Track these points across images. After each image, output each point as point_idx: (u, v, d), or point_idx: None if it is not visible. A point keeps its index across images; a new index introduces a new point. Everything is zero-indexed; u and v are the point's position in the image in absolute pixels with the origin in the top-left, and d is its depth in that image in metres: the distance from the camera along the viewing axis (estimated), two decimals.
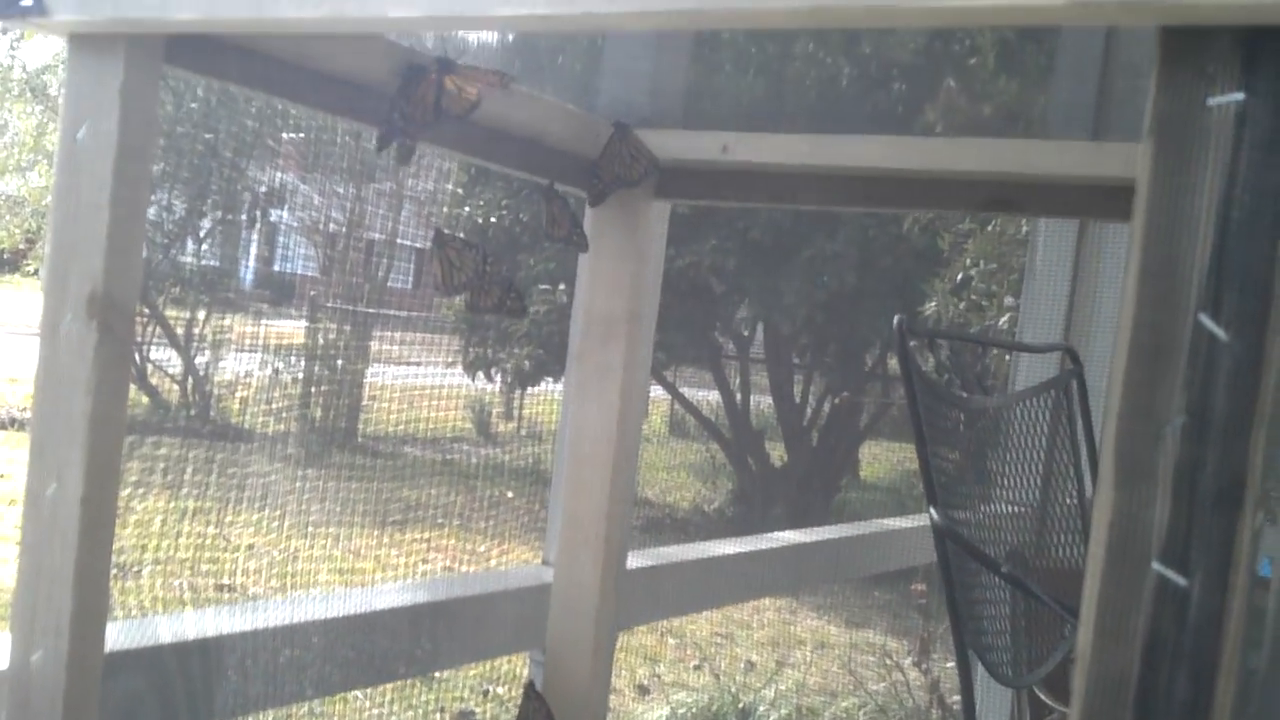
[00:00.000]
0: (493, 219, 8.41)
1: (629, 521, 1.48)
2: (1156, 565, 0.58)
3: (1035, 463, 2.44)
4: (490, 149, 1.28)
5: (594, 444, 1.38)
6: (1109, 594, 0.60)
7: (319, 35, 0.95)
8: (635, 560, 1.69)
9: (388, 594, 1.45)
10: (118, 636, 1.09)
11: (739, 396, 9.81)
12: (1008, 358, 3.54)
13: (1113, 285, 3.26)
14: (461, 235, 1.21)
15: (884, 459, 12.83)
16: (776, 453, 9.93)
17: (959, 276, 3.99)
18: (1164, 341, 0.61)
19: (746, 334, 9.88)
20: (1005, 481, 2.35)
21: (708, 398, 10.51)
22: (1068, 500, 2.51)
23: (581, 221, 1.40)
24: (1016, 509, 2.35)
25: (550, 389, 9.15)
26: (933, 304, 4.02)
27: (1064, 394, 2.50)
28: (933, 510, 1.88)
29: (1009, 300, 4.03)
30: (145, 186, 0.89)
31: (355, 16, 0.75)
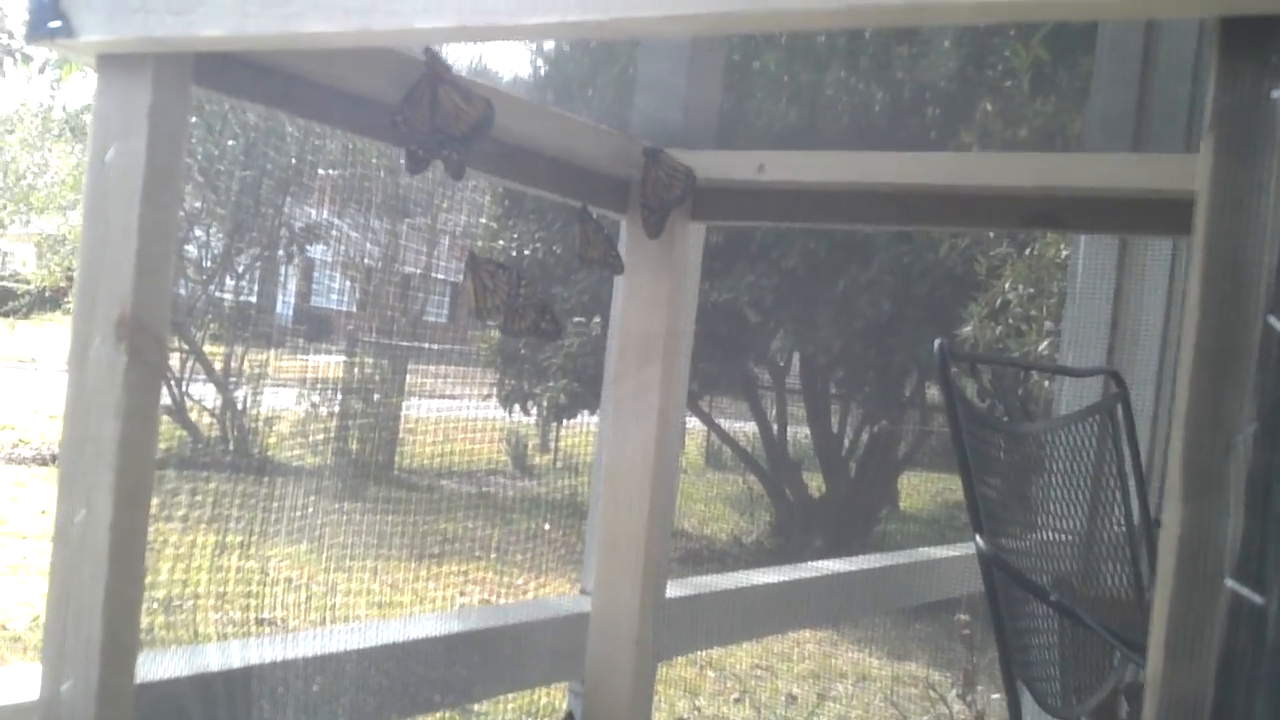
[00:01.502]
0: (526, 251, 8.44)
1: (668, 545, 1.45)
2: (1230, 582, 0.55)
3: (1081, 489, 2.39)
4: (521, 170, 1.26)
5: (631, 466, 1.36)
6: (1179, 614, 0.56)
7: (347, 51, 0.94)
8: (674, 590, 1.66)
9: (424, 623, 1.42)
10: (153, 667, 1.08)
11: (775, 427, 9.75)
12: (1047, 383, 3.49)
13: (1155, 308, 3.21)
14: (496, 258, 1.19)
15: (924, 489, 12.72)
16: (814, 483, 9.86)
17: (997, 301, 3.95)
18: (1231, 346, 0.58)
19: (782, 364, 9.83)
20: (1050, 508, 2.30)
21: (744, 429, 10.46)
22: (1115, 527, 2.46)
23: (616, 244, 1.38)
24: (1062, 536, 2.30)
25: (586, 421, 9.13)
26: (970, 329, 3.98)
27: (1109, 418, 2.45)
28: (978, 538, 1.84)
29: (1048, 325, 3.98)
30: (174, 208, 0.88)
31: (384, 30, 0.74)
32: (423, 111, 1.01)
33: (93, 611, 0.87)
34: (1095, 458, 2.44)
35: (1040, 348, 3.95)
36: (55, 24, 0.86)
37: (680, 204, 1.35)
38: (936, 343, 1.93)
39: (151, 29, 0.83)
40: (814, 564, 2.10)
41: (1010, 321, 3.79)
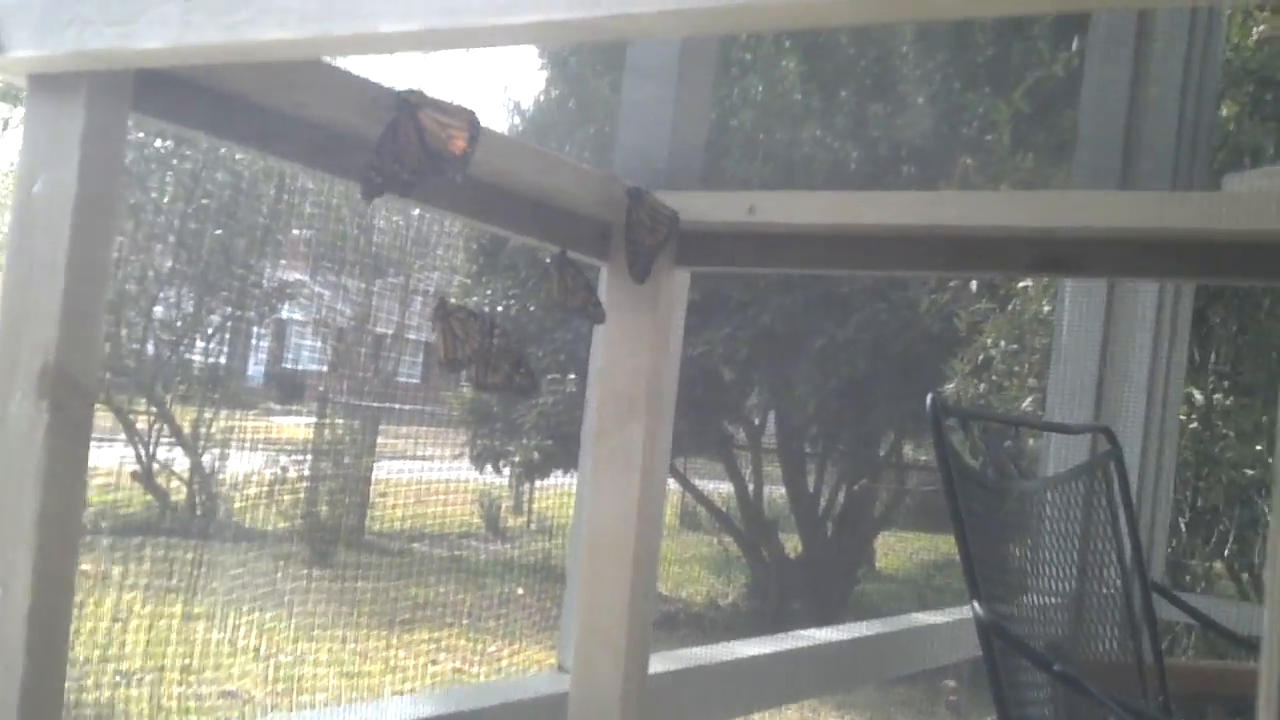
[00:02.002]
0: (500, 307, 8.37)
1: (650, 621, 1.35)
2: None
3: (1073, 550, 2.31)
4: (497, 211, 1.17)
5: (613, 534, 1.26)
6: None
7: (308, 72, 0.85)
8: (657, 664, 1.55)
9: (395, 707, 1.31)
10: None
11: (751, 487, 9.66)
12: (1032, 440, 3.41)
13: (1141, 361, 3.15)
14: (465, 306, 1.09)
15: (899, 549, 12.62)
16: (791, 544, 9.76)
17: (979, 358, 3.89)
18: None
19: (758, 422, 9.76)
20: (1043, 570, 2.22)
21: (719, 488, 10.35)
22: (1105, 589, 2.39)
23: (597, 291, 1.29)
24: (1054, 599, 2.22)
25: (560, 481, 9.02)
26: (953, 385, 3.91)
27: (1102, 476, 2.38)
28: (976, 605, 1.76)
29: (1031, 381, 3.92)
30: (107, 246, 0.79)
31: (344, 36, 0.65)
32: (411, 146, 0.92)
33: (6, 715, 0.75)
34: (1087, 517, 2.36)
35: (1024, 404, 3.89)
36: None
37: (663, 248, 1.27)
38: (929, 398, 1.85)
39: (86, 42, 0.74)
40: (803, 633, 2.00)
41: (993, 378, 3.73)
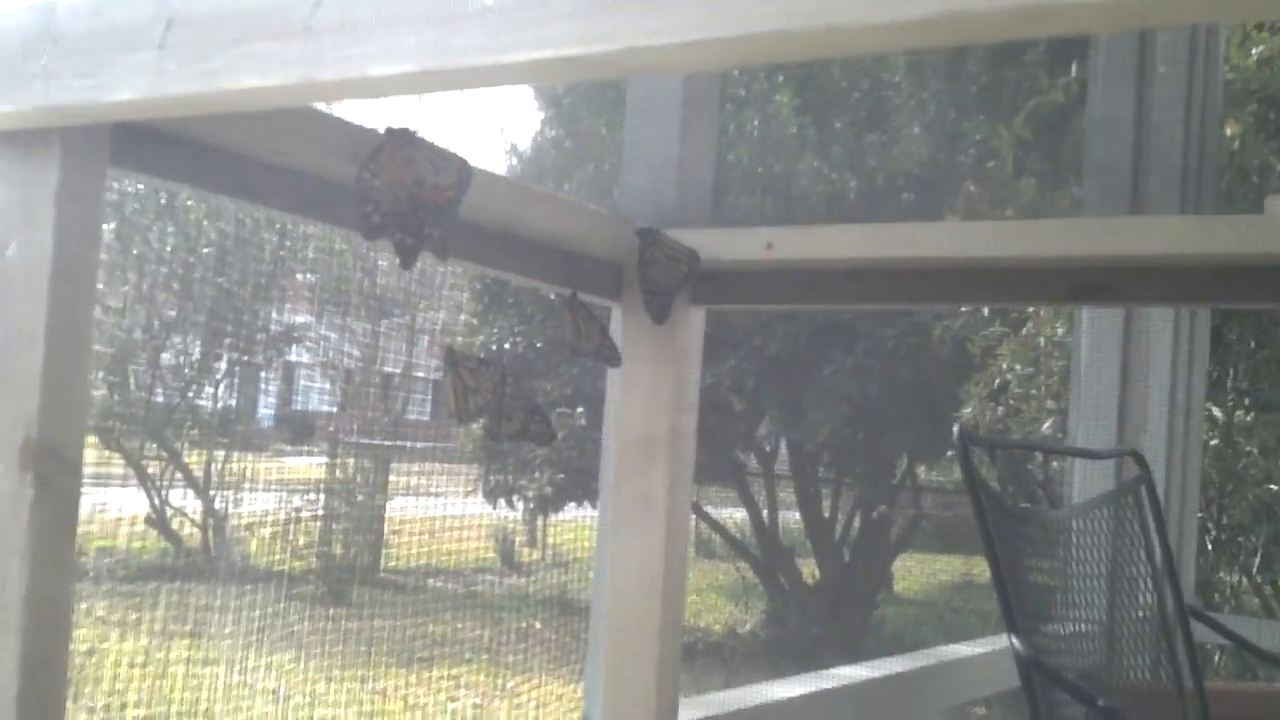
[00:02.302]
0: (506, 345, 8.35)
1: (679, 674, 1.29)
2: None
3: (1103, 576, 2.26)
4: (504, 257, 1.13)
5: (639, 583, 1.20)
6: None
7: (293, 119, 0.80)
8: (686, 712, 1.49)
9: None
10: None
11: (766, 513, 9.59)
12: (1054, 463, 3.36)
13: (1160, 384, 3.11)
14: (479, 353, 1.04)
15: (917, 572, 12.52)
16: (808, 570, 9.68)
17: (995, 382, 3.83)
18: None
19: (769, 450, 9.70)
20: (1076, 599, 2.17)
21: (733, 515, 10.27)
22: (1140, 615, 2.33)
23: (609, 332, 1.24)
24: (1087, 627, 2.16)
25: (574, 514, 8.96)
26: (970, 410, 3.85)
27: (1134, 501, 2.32)
28: (1014, 640, 1.70)
29: (1050, 404, 3.87)
30: (87, 310, 0.74)
31: (331, 80, 0.60)
32: (398, 183, 0.87)
33: None
34: (1118, 542, 2.31)
35: (1044, 427, 3.83)
36: None
37: (684, 286, 1.22)
38: (955, 428, 1.80)
39: (53, 96, 0.70)
40: (835, 671, 1.93)
41: (1011, 402, 3.67)
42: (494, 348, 8.23)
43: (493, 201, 1.02)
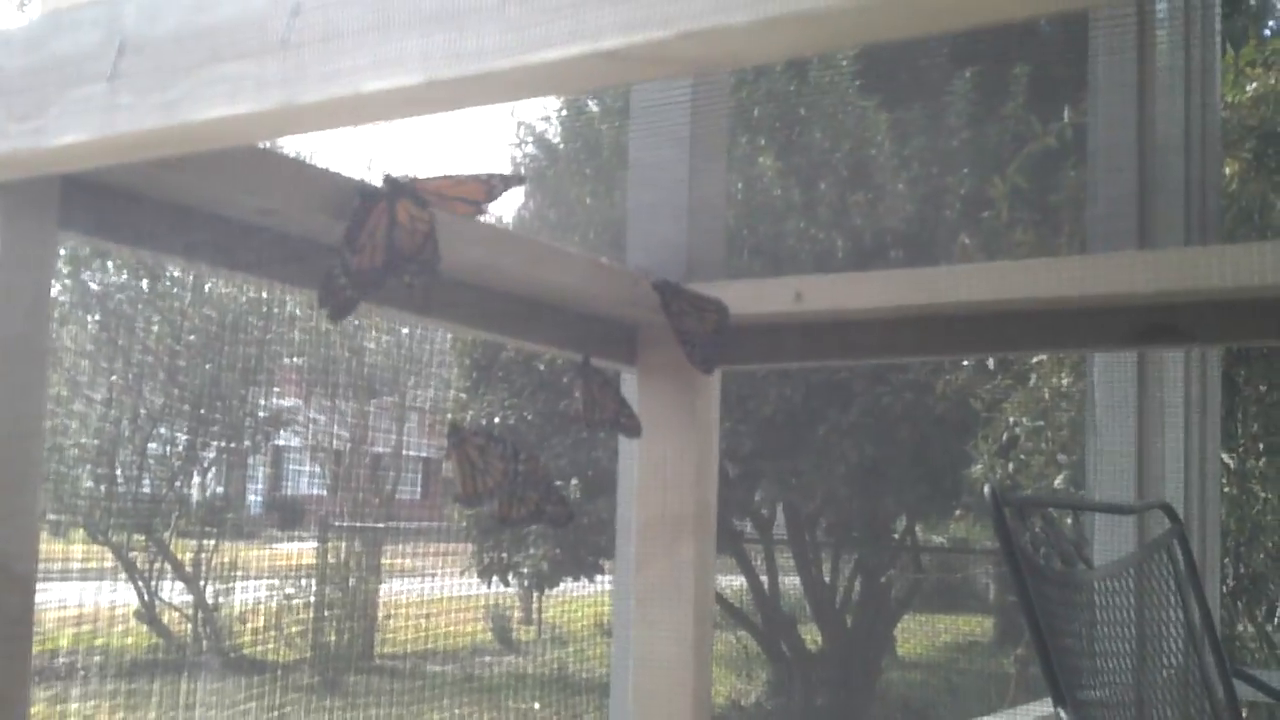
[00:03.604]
0: (496, 419, 8.25)
1: None
2: None
3: (1138, 639, 2.15)
4: (507, 320, 1.02)
5: (667, 677, 1.08)
6: None
7: (275, 170, 0.70)
8: None
9: None
10: None
11: (765, 580, 9.44)
12: (1069, 520, 3.26)
13: (1175, 431, 3.02)
14: (484, 428, 0.93)
15: (919, 634, 12.34)
16: (810, 636, 9.51)
17: (1004, 436, 3.73)
18: None
19: (766, 514, 9.57)
20: (1117, 663, 2.05)
21: (731, 583, 10.11)
22: (1177, 675, 2.22)
23: (626, 399, 1.13)
24: (1128, 693, 2.05)
25: (570, 589, 8.81)
26: (979, 467, 3.75)
27: (1166, 556, 2.22)
28: (1062, 714, 1.58)
29: (1061, 457, 3.77)
30: (38, 396, 0.63)
31: (317, 102, 0.50)
32: (376, 246, 0.76)
33: None
34: (1153, 601, 2.20)
35: (1056, 481, 3.73)
36: None
37: (722, 338, 1.11)
38: (987, 490, 1.69)
39: None
40: None
41: (1021, 457, 3.57)
42: (484, 422, 8.13)
43: (496, 258, 0.92)
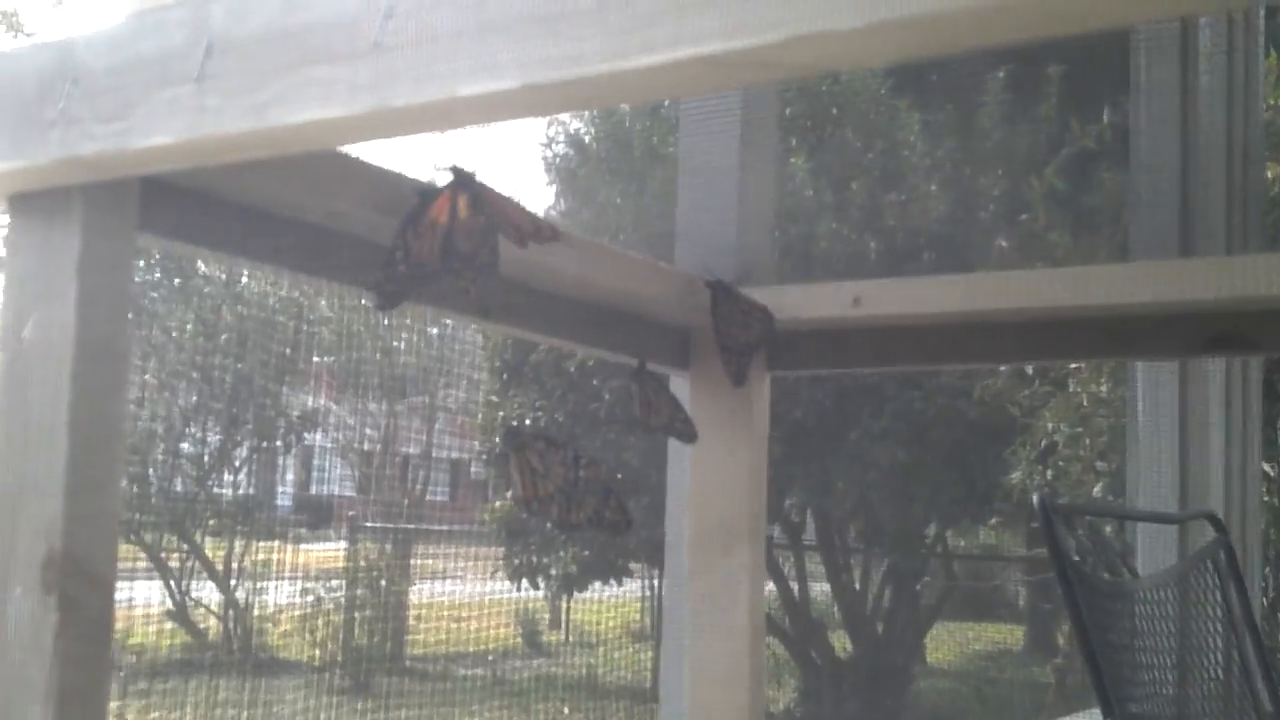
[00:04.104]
0: (527, 420, 8.26)
1: None
2: None
3: (1172, 650, 2.13)
4: (561, 322, 1.02)
5: (724, 688, 1.08)
6: None
7: (354, 172, 0.70)
8: None
9: None
10: None
11: (796, 587, 9.39)
12: (1108, 529, 3.24)
13: (1216, 439, 2.99)
14: (543, 431, 0.93)
15: (948, 641, 12.26)
16: (840, 644, 9.47)
17: (1042, 443, 3.69)
18: None
19: (797, 520, 9.53)
20: (1162, 675, 2.03)
21: None
22: (1208, 685, 2.19)
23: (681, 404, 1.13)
24: (1175, 706, 2.03)
25: (599, 593, 8.80)
26: (1018, 474, 3.72)
27: (1212, 566, 2.19)
28: None
29: (1100, 464, 3.73)
30: (118, 398, 0.63)
31: (408, 106, 0.49)
32: (434, 240, 0.75)
33: None
34: (1198, 612, 2.18)
35: (1094, 490, 3.69)
36: None
37: (759, 348, 1.11)
38: (1035, 496, 1.68)
39: (74, 145, 0.60)
40: None
41: (1060, 464, 3.53)
42: (514, 424, 8.13)
43: (549, 259, 0.91)
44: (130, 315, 0.63)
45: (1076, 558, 1.90)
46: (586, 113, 8.64)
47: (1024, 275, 0.97)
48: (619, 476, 7.42)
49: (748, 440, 1.11)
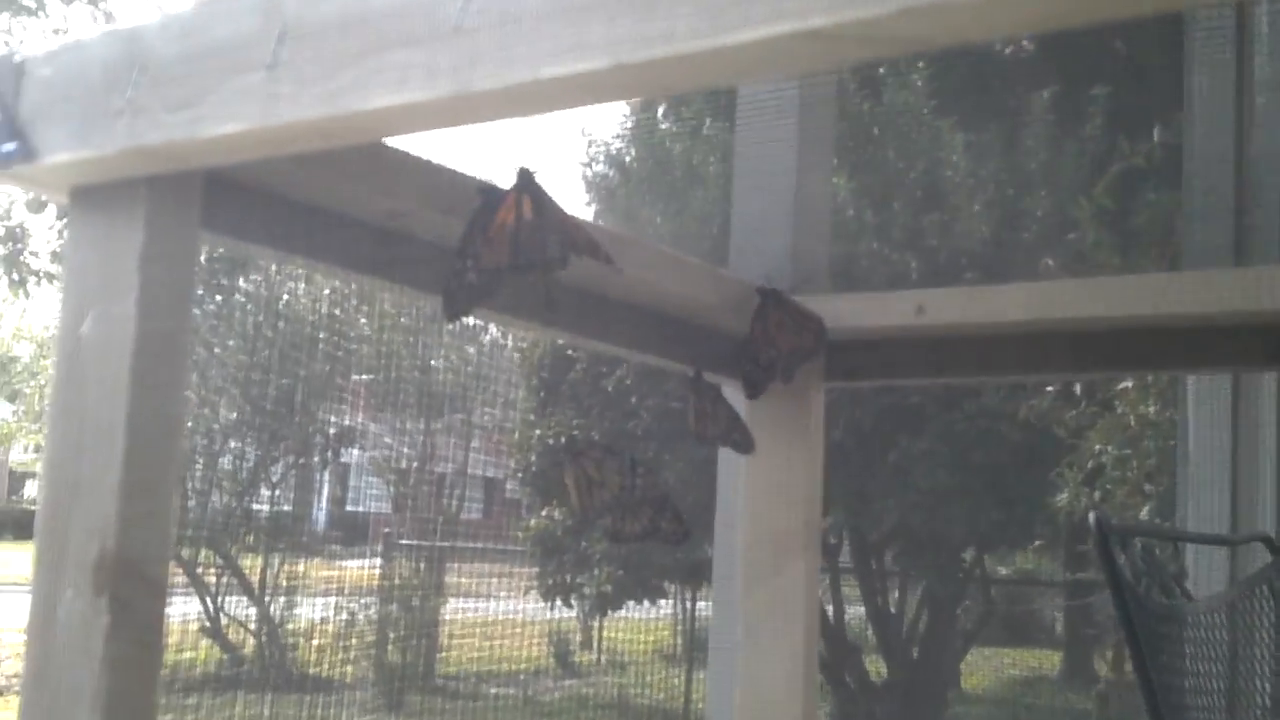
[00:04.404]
0: (563, 439, 8.25)
1: None
2: None
3: (1225, 675, 2.08)
4: (616, 328, 1.00)
5: (779, 701, 1.05)
6: None
7: (398, 160, 0.68)
8: None
9: None
10: None
11: (831, 609, 9.33)
12: (1157, 549, 3.18)
13: (1268, 460, 2.94)
14: (600, 442, 0.91)
15: (983, 666, 12.14)
16: (874, 667, 9.38)
17: (1089, 464, 3.64)
18: None
19: (833, 541, 9.47)
20: (1216, 702, 1.99)
21: None
22: (1258, 711, 2.14)
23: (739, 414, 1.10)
24: None
25: (631, 612, 8.76)
26: (1064, 496, 3.66)
27: (1268, 590, 2.15)
28: None
29: (1148, 487, 3.67)
30: (177, 394, 0.61)
31: (490, 90, 0.47)
32: (502, 243, 0.74)
33: None
34: (1252, 637, 2.13)
35: (1141, 512, 3.63)
36: (9, 147, 0.61)
37: (812, 355, 1.08)
38: (1091, 517, 1.64)
39: (141, 134, 0.58)
40: None
41: (1107, 486, 3.48)
42: (550, 442, 8.13)
43: (621, 264, 0.89)
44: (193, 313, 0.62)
45: (1132, 579, 1.86)
46: (625, 131, 8.64)
47: (1098, 282, 0.94)
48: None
49: (805, 450, 1.09)
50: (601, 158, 9.01)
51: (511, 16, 0.47)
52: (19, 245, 6.67)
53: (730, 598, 1.20)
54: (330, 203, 0.72)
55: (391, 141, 0.72)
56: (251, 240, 0.69)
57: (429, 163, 0.74)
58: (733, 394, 1.12)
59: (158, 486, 0.62)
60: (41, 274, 6.77)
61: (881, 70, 6.79)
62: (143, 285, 0.61)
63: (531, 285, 0.76)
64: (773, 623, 1.07)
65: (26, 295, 6.75)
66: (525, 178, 0.76)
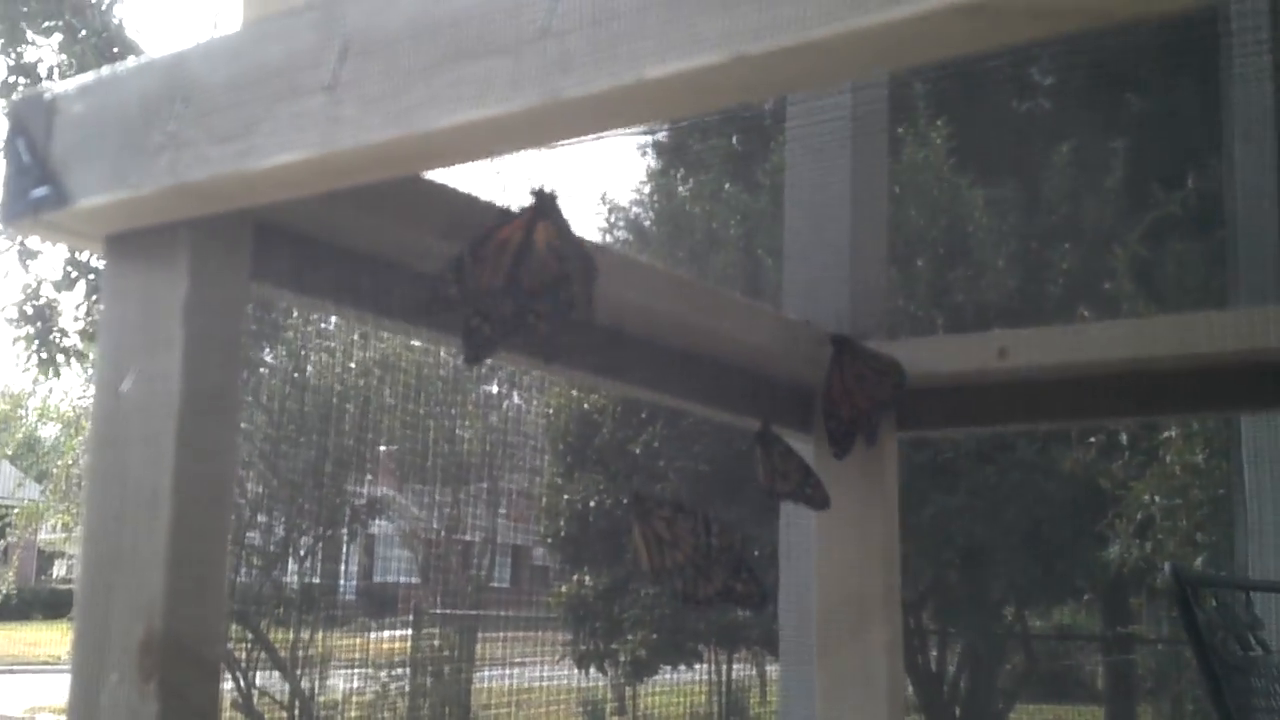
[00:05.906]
0: (591, 503, 8.18)
1: None
2: None
3: None
4: (674, 379, 0.94)
5: None
6: None
7: (452, 200, 0.63)
8: None
9: None
10: None
11: None
12: (1214, 600, 3.09)
13: None
14: (670, 499, 0.85)
15: None
16: None
17: (1138, 516, 3.56)
18: None
19: None
20: None
21: None
22: None
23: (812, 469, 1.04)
24: None
25: (665, 676, 8.62)
26: (1115, 549, 3.57)
27: None
28: None
29: (1198, 537, 3.58)
30: (229, 460, 0.56)
31: (585, 96, 0.41)
32: (499, 264, 0.67)
33: None
34: None
35: (1195, 563, 3.54)
36: (40, 192, 0.56)
37: (888, 406, 1.02)
38: (1168, 567, 1.57)
39: (184, 171, 0.53)
40: None
41: (1159, 537, 3.39)
42: (579, 507, 8.06)
43: (659, 303, 0.83)
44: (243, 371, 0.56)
45: (1210, 633, 1.78)
46: (644, 197, 8.63)
47: (1201, 319, 0.88)
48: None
49: (881, 506, 1.02)
50: (621, 223, 9.02)
51: (607, 13, 0.42)
52: (48, 324, 6.66)
53: (802, 662, 1.13)
54: (390, 251, 0.66)
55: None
56: (310, 293, 0.63)
57: (496, 206, 0.69)
58: (799, 449, 1.06)
59: (208, 557, 0.56)
60: (71, 351, 6.76)
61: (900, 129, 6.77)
62: (187, 339, 0.56)
63: (532, 324, 0.68)
64: (851, 693, 1.00)
65: (57, 375, 6.72)
66: (543, 201, 0.69)
